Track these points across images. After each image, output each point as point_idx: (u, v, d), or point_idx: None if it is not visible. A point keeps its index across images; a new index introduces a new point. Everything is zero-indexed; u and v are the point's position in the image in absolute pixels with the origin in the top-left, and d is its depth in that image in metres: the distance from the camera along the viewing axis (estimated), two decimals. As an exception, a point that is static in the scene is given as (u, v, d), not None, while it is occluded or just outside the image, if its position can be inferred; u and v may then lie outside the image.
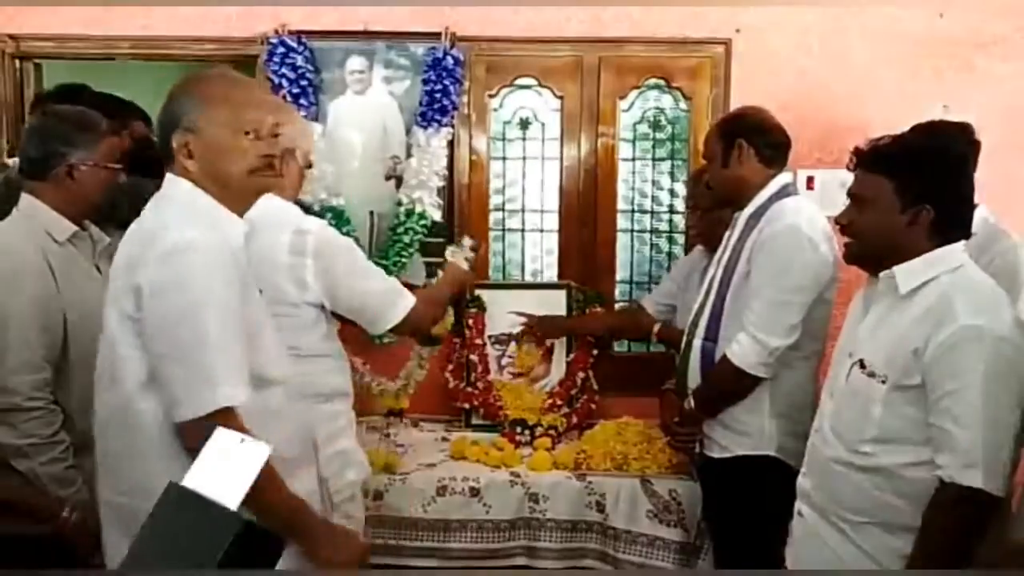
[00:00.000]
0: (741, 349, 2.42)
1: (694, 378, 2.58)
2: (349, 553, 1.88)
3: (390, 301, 2.28)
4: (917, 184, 1.86)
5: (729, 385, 2.48)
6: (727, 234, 2.63)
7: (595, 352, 3.31)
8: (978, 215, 2.52)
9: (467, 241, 2.65)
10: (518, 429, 3.15)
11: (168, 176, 1.79)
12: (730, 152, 2.54)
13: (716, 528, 2.71)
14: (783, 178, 2.56)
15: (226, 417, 1.62)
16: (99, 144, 2.26)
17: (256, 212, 1.90)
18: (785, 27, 3.29)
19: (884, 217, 1.89)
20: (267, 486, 1.61)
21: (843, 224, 1.99)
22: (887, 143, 1.94)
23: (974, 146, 2.56)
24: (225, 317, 1.68)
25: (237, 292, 1.71)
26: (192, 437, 1.61)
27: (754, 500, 2.46)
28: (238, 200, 1.81)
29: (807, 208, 2.51)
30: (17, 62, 3.41)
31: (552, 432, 3.14)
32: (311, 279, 2.16)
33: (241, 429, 1.58)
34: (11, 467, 2.14)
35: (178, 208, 1.74)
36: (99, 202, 2.29)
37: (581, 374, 3.27)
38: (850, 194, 1.98)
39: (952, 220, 1.88)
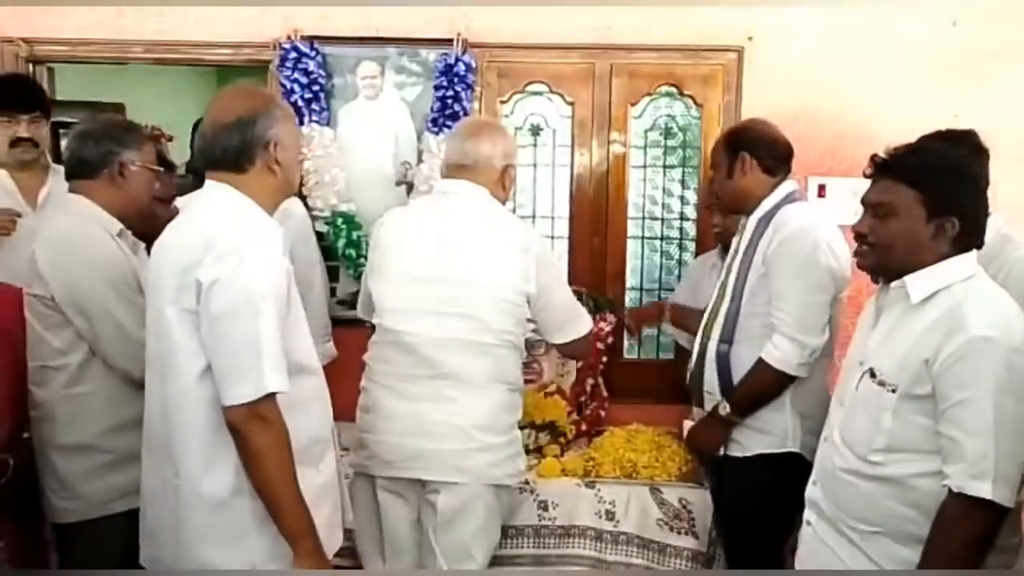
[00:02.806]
0: (781, 352, 2.46)
1: (710, 380, 2.61)
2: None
3: (578, 318, 2.57)
4: (946, 196, 1.84)
5: (770, 388, 2.51)
6: (735, 239, 2.68)
7: (605, 359, 3.30)
8: (991, 223, 2.53)
9: None
10: (529, 430, 3.13)
11: (212, 183, 1.96)
12: (734, 164, 2.62)
13: (731, 529, 2.71)
14: (789, 185, 2.62)
15: (270, 401, 1.83)
16: (145, 146, 2.40)
17: (490, 211, 2.42)
18: (797, 35, 3.28)
19: (909, 228, 1.86)
20: (283, 469, 1.84)
21: (862, 234, 1.94)
22: (912, 152, 1.91)
23: (983, 154, 2.56)
24: (272, 312, 1.84)
25: (284, 289, 1.91)
26: (238, 419, 1.81)
27: (775, 496, 2.48)
28: (274, 208, 2.03)
29: (816, 211, 2.62)
30: (30, 66, 3.42)
31: (561, 439, 3.13)
32: (532, 272, 2.40)
33: (278, 413, 1.84)
34: (91, 448, 2.27)
35: (231, 212, 1.91)
36: (143, 202, 2.40)
37: (591, 380, 3.27)
38: (868, 203, 1.94)
39: (972, 232, 1.87)
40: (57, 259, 2.25)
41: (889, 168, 1.90)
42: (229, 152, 1.93)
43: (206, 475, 1.88)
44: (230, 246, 1.82)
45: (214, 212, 1.92)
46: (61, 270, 2.24)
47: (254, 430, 1.81)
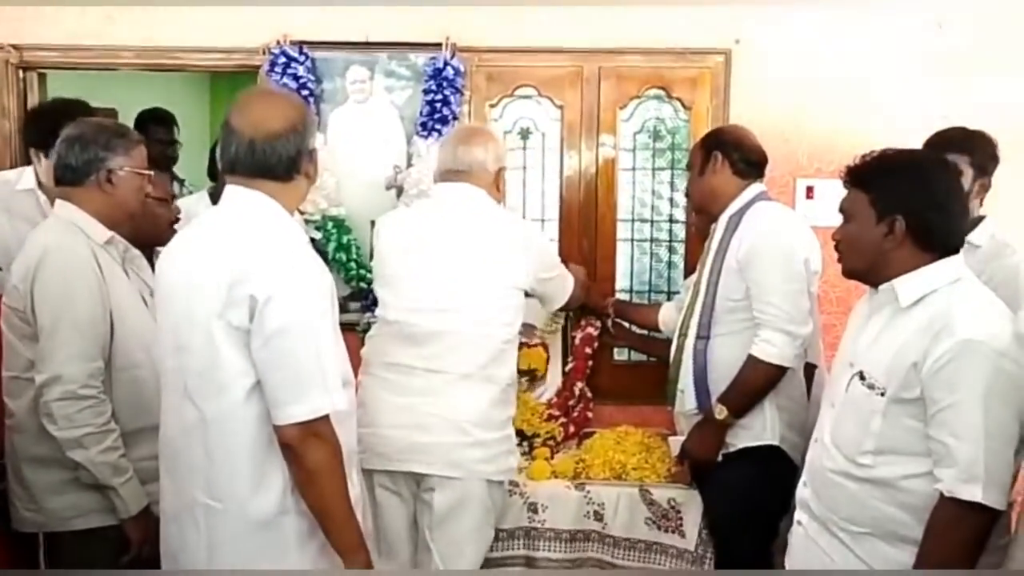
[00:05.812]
0: (775, 347, 2.49)
1: (686, 376, 2.67)
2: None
3: (568, 285, 2.83)
4: (887, 194, 1.89)
5: (765, 385, 2.55)
6: (708, 240, 2.74)
7: (591, 363, 3.31)
8: (985, 229, 2.56)
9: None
10: (516, 439, 3.14)
11: (242, 189, 1.88)
12: (707, 162, 2.70)
13: (720, 528, 2.73)
14: (757, 186, 2.70)
15: (326, 419, 1.80)
16: (134, 150, 2.35)
17: (490, 211, 2.54)
18: (785, 38, 3.29)
19: (863, 229, 1.93)
20: (339, 486, 1.81)
21: (835, 240, 2.03)
22: (867, 158, 1.97)
23: (994, 159, 2.60)
24: (328, 327, 1.83)
25: (331, 300, 1.89)
26: (294, 438, 1.77)
27: (759, 491, 2.51)
28: (291, 215, 1.94)
29: (784, 209, 2.73)
30: (21, 72, 3.41)
31: (550, 441, 3.14)
32: (533, 269, 2.56)
33: (332, 429, 1.81)
34: (59, 463, 2.22)
35: (274, 222, 1.86)
36: (133, 207, 2.36)
37: (579, 384, 3.27)
38: (839, 210, 2.03)
39: (930, 229, 1.88)
40: (30, 272, 2.21)
41: (849, 175, 1.98)
42: (284, 161, 1.86)
43: (254, 496, 1.83)
44: (283, 259, 1.78)
45: (256, 222, 1.84)
46: (30, 283, 2.20)
47: (311, 448, 1.77)
